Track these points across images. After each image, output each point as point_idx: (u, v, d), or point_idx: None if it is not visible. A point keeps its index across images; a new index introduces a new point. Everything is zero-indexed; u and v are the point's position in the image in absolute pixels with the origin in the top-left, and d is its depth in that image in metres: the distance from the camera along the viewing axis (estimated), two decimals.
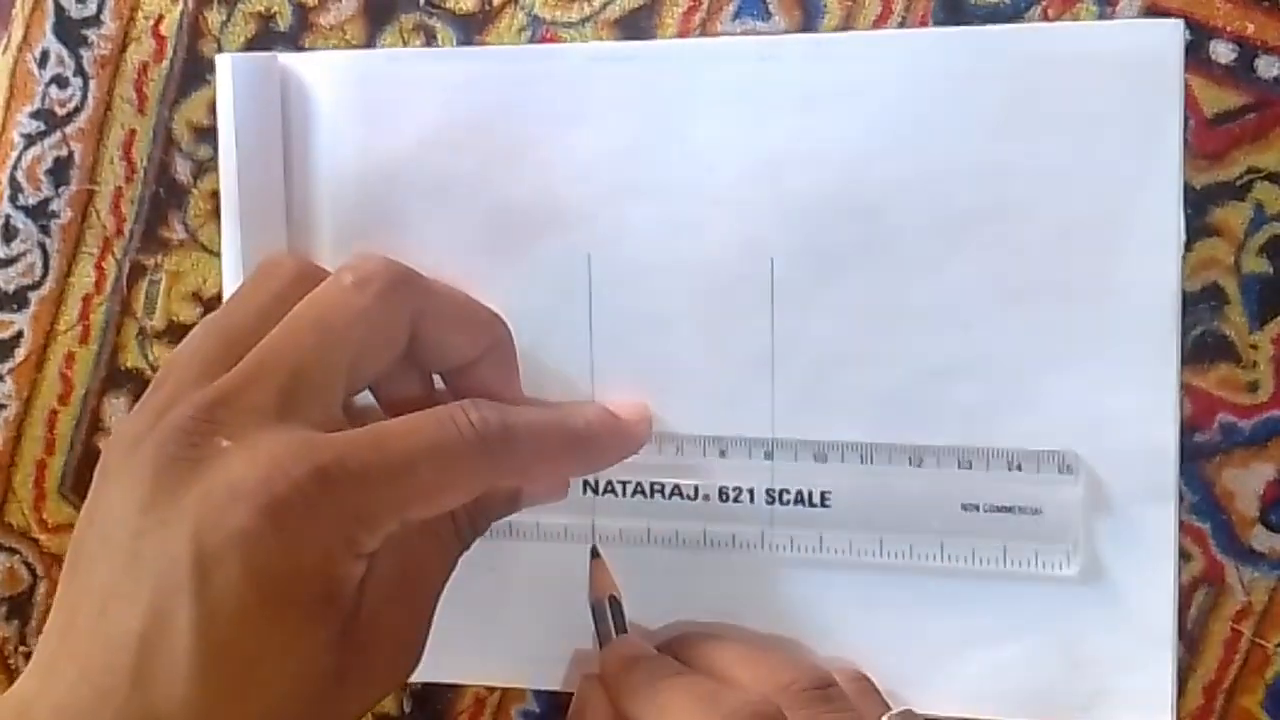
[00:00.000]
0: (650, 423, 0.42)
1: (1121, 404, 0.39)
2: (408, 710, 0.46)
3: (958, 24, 0.42)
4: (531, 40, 0.45)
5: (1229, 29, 0.40)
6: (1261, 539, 0.40)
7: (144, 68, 0.48)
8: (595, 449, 0.41)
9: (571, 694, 0.44)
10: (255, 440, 0.34)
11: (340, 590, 0.35)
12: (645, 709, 0.38)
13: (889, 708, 0.39)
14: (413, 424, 0.36)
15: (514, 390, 0.42)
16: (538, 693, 0.45)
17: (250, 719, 0.34)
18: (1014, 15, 0.41)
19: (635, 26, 0.44)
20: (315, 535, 0.34)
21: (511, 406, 0.38)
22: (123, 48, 0.48)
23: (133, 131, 0.48)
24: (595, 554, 0.43)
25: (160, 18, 0.48)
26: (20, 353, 0.49)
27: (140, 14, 0.48)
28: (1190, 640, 0.41)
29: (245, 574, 0.33)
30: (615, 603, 0.42)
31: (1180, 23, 0.39)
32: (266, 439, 0.34)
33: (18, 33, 0.48)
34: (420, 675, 0.44)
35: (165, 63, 0.48)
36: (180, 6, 0.48)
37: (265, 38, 0.47)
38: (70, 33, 0.48)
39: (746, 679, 0.39)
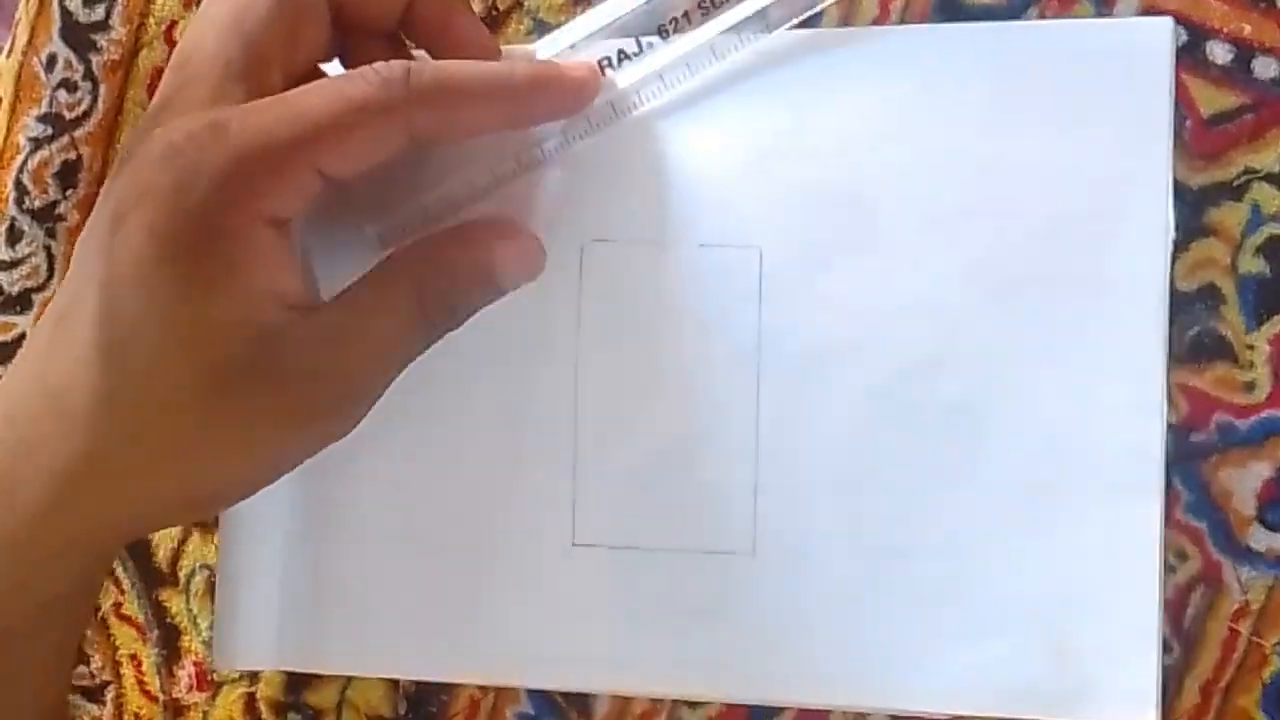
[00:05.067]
0: (598, 80, 0.41)
1: (1108, 398, 0.39)
2: (402, 712, 0.46)
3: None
4: None
5: (1225, 30, 0.41)
6: (1259, 538, 0.40)
7: (157, 72, 0.49)
8: (525, 96, 0.39)
9: (569, 694, 0.44)
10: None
11: (244, 256, 0.35)
12: None
13: None
14: (319, 83, 0.36)
15: (468, 19, 0.42)
16: (532, 695, 0.45)
17: (139, 395, 0.35)
18: (1010, 17, 0.42)
19: (636, 29, 0.45)
20: (211, 186, 0.34)
21: (431, 61, 0.38)
22: (134, 52, 0.49)
23: None
24: None
25: (174, 23, 0.49)
26: None
27: (152, 19, 0.49)
28: (1187, 639, 0.40)
29: (144, 227, 0.34)
30: None
31: (1170, 20, 0.39)
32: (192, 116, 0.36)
33: (22, 36, 0.49)
34: (411, 673, 0.45)
35: None
36: (194, 12, 0.48)
37: None
38: (78, 37, 0.49)
39: None
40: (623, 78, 0.41)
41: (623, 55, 0.41)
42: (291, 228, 0.37)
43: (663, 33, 0.41)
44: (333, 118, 0.35)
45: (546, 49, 0.42)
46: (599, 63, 0.41)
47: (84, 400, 0.35)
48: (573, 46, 0.41)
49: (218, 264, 0.35)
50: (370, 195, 0.41)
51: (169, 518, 0.41)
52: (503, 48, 0.42)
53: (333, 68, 0.41)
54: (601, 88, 0.41)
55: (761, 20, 0.41)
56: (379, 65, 0.36)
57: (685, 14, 0.41)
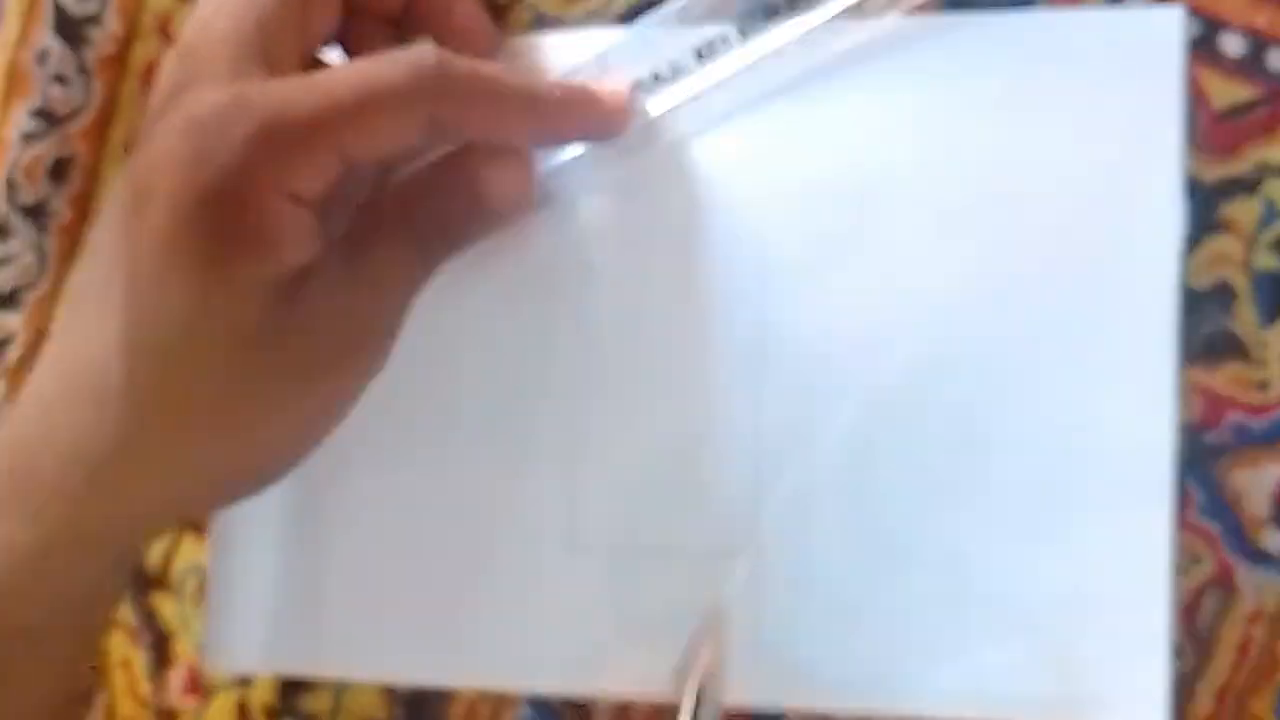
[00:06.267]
0: (632, 110, 0.40)
1: (1117, 399, 0.39)
2: (398, 718, 0.45)
3: None
4: None
5: (1239, 21, 0.40)
6: (1273, 540, 0.39)
7: (151, 66, 0.48)
8: (554, 115, 0.39)
9: (568, 699, 0.43)
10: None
11: (272, 231, 0.34)
12: None
13: None
14: (347, 65, 0.36)
15: (471, 6, 0.42)
16: (531, 700, 0.44)
17: (171, 367, 0.35)
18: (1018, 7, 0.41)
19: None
20: (232, 156, 0.34)
21: (467, 58, 0.36)
22: (128, 46, 0.48)
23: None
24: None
25: (168, 17, 0.48)
26: (12, 353, 0.49)
27: (145, 13, 0.48)
28: (1200, 644, 0.39)
29: (166, 197, 0.34)
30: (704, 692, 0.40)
31: (1180, 9, 0.39)
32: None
33: (14, 30, 0.48)
34: (407, 678, 0.44)
35: None
36: (189, 6, 0.48)
37: None
38: (71, 31, 0.48)
39: None
40: (656, 104, 0.41)
41: (657, 78, 0.41)
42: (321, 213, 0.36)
43: (700, 55, 0.41)
44: (357, 99, 0.35)
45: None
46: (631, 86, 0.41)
47: (113, 380, 0.35)
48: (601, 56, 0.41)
49: (239, 231, 0.34)
50: None
51: (201, 501, 0.40)
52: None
53: (333, 55, 0.41)
54: (636, 114, 0.41)
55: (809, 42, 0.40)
56: (413, 50, 0.36)
57: (724, 37, 0.40)
